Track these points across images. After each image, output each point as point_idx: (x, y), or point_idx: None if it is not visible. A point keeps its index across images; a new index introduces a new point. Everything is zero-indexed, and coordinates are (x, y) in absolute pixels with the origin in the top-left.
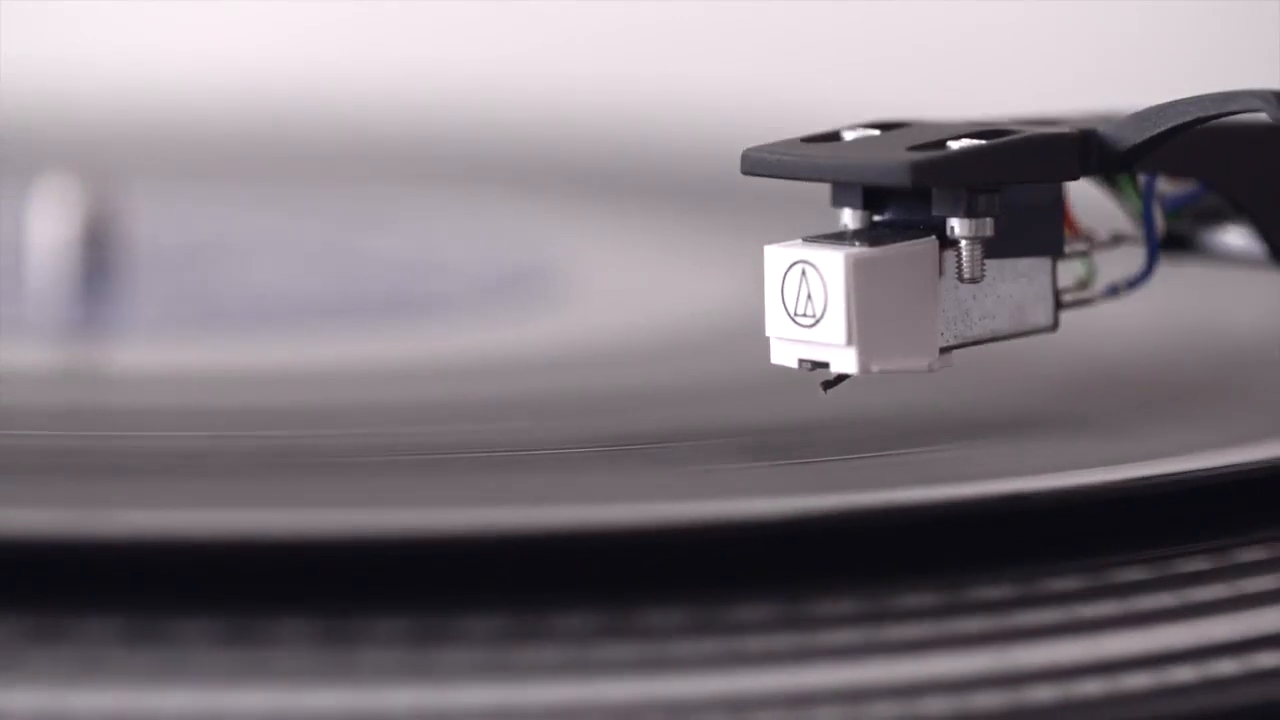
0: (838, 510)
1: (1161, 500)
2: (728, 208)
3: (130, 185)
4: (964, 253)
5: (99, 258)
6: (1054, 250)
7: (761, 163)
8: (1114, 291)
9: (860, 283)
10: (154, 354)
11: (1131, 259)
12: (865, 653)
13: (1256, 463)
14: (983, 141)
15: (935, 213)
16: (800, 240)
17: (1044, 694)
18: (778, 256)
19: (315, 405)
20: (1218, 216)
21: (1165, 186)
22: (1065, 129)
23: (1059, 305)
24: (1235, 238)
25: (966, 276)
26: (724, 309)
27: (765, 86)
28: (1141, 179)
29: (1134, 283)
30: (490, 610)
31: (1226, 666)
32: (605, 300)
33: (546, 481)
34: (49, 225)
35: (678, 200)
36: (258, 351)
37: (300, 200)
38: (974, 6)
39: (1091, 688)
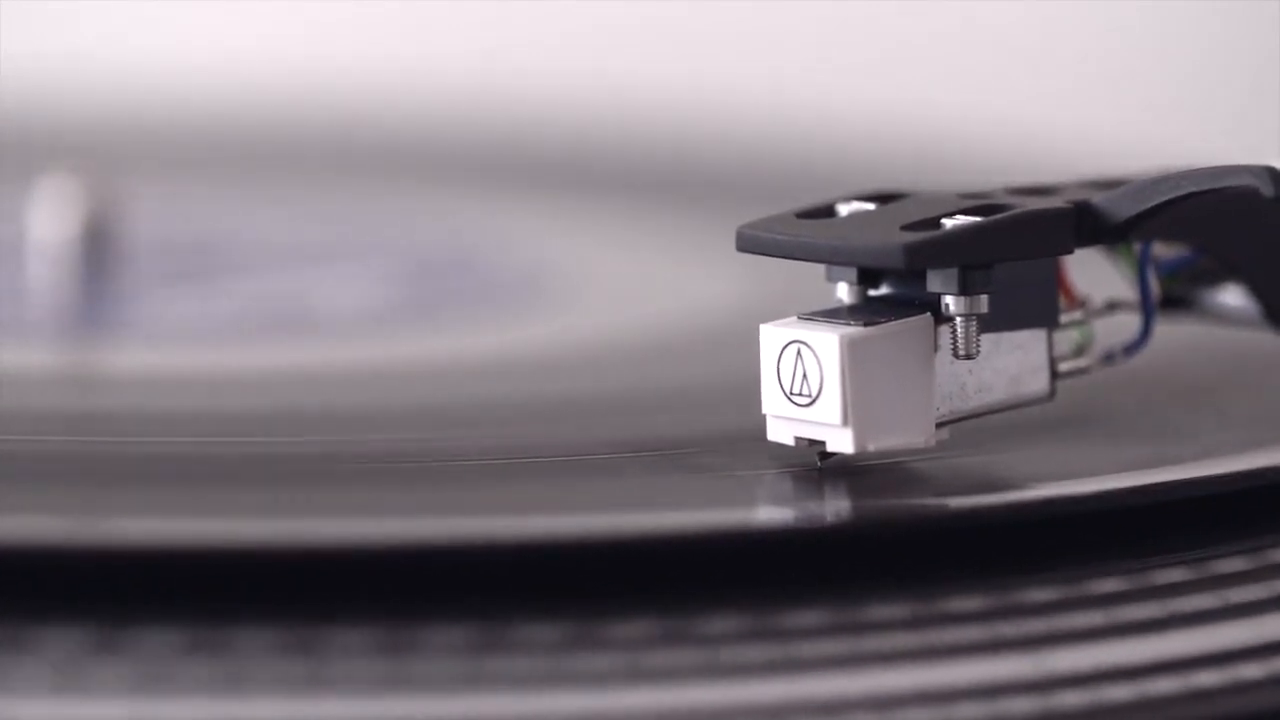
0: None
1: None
2: (729, 207)
3: (131, 184)
4: (959, 330)
5: (100, 257)
6: (1049, 321)
7: (756, 241)
8: (1110, 359)
9: (855, 363)
10: (153, 355)
11: (1130, 321)
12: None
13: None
14: (977, 219)
15: (930, 289)
16: (795, 318)
17: (1073, 699)
18: (773, 336)
19: (313, 407)
20: (1214, 277)
21: (1162, 249)
22: (1059, 203)
23: (1055, 375)
24: (1233, 298)
25: (962, 354)
26: (724, 308)
27: (766, 85)
28: (1136, 246)
29: (1130, 349)
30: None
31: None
32: (593, 303)
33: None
34: (49, 225)
35: (675, 199)
36: (256, 353)
37: (300, 200)
38: (974, 6)
39: (1121, 693)
